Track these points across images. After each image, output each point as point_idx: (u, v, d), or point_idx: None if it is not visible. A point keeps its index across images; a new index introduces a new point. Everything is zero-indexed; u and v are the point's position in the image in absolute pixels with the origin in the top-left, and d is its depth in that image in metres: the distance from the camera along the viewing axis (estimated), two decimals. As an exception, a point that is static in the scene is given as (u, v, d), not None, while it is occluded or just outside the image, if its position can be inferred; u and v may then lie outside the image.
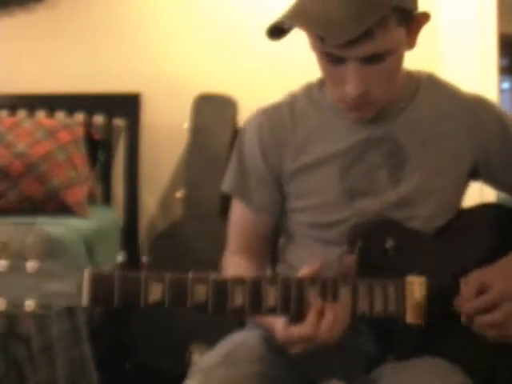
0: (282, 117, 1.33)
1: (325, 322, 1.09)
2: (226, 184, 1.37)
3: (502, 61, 3.56)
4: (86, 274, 1.02)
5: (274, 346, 1.29)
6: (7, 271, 0.98)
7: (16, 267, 0.98)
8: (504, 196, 1.45)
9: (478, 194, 2.25)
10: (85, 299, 1.01)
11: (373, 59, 1.15)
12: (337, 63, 1.17)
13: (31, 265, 0.99)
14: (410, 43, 1.22)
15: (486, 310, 1.19)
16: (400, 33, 1.17)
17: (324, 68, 1.22)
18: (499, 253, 1.27)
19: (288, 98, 1.36)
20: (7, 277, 0.97)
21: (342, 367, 1.28)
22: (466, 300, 1.20)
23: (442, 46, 2.69)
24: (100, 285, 1.02)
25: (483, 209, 1.38)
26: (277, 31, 1.18)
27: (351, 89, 1.17)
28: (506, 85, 5.45)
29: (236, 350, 1.28)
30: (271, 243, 1.40)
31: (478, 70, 2.68)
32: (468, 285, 1.21)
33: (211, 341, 1.38)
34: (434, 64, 2.64)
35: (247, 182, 1.34)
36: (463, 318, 1.20)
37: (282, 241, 1.40)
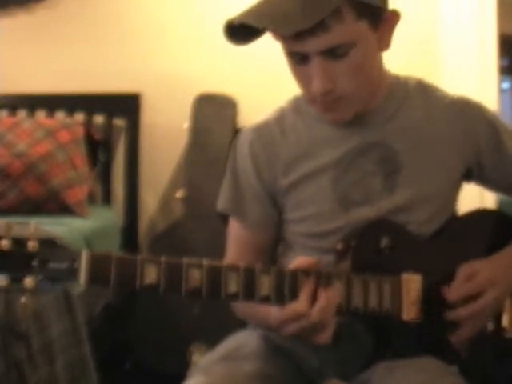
0: (273, 133, 1.33)
1: (317, 304, 1.09)
2: (221, 203, 1.37)
3: (502, 61, 3.55)
4: (84, 254, 1.03)
5: (274, 346, 1.29)
6: (9, 250, 1.01)
7: (17, 246, 1.01)
8: (504, 198, 1.45)
9: (478, 196, 2.25)
10: (82, 278, 1.03)
11: (334, 53, 1.14)
12: (303, 63, 1.17)
13: (32, 244, 1.01)
14: (383, 43, 1.22)
15: (470, 296, 1.21)
16: (360, 27, 1.15)
17: (294, 71, 1.22)
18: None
19: (276, 114, 1.36)
20: (9, 255, 1.01)
21: (340, 366, 1.28)
22: (453, 289, 1.22)
23: (442, 47, 2.69)
24: (97, 265, 1.03)
25: (481, 213, 1.39)
26: (244, 35, 1.18)
27: (316, 85, 1.17)
28: (506, 85, 5.44)
29: (236, 350, 1.28)
30: (271, 255, 1.40)
31: (477, 70, 2.68)
32: (458, 276, 1.23)
33: (211, 341, 1.39)
34: (434, 64, 2.64)
35: (242, 199, 1.34)
36: (451, 305, 1.21)
37: (280, 248, 1.40)
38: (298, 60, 1.18)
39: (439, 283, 1.22)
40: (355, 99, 1.23)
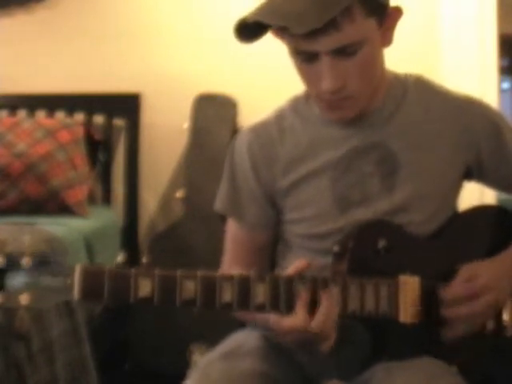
0: (271, 133, 1.33)
1: (316, 318, 1.09)
2: (219, 203, 1.37)
3: (502, 61, 3.56)
4: (77, 269, 1.04)
5: (274, 346, 1.29)
6: (4, 267, 1.02)
7: (12, 263, 1.02)
8: (503, 197, 1.45)
9: (478, 194, 2.25)
10: (76, 294, 1.03)
11: (344, 52, 1.15)
12: (311, 61, 1.17)
13: (26, 261, 1.02)
14: (386, 39, 1.22)
15: (467, 298, 1.20)
16: (369, 25, 1.16)
17: (300, 70, 1.22)
18: (496, 253, 1.27)
19: (275, 114, 1.35)
20: (4, 272, 1.02)
21: (338, 367, 1.28)
22: (451, 286, 1.21)
23: (442, 47, 2.69)
24: (91, 280, 1.04)
25: (480, 211, 1.38)
26: (250, 33, 1.17)
27: (326, 84, 1.17)
28: (506, 85, 5.45)
29: (236, 349, 1.28)
30: (270, 252, 1.40)
31: (478, 70, 2.68)
32: (457, 277, 1.22)
33: (211, 341, 1.39)
34: (434, 64, 2.64)
35: (240, 199, 1.34)
36: (443, 306, 1.21)
37: (279, 247, 1.40)
38: (305, 58, 1.18)
39: (437, 284, 1.22)
40: (362, 97, 1.23)
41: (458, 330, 1.21)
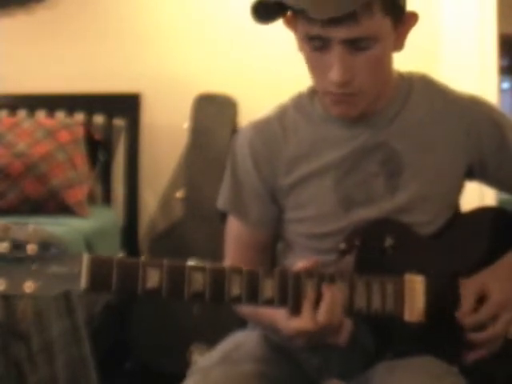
0: (274, 130, 1.32)
1: (323, 306, 1.09)
2: (222, 201, 1.37)
3: (502, 61, 3.55)
4: (85, 258, 1.02)
5: (273, 346, 1.29)
6: (8, 253, 0.99)
7: (17, 249, 1.00)
8: (504, 197, 1.45)
9: (478, 195, 2.25)
10: (83, 283, 1.02)
11: (357, 45, 1.15)
12: (322, 50, 1.16)
13: (31, 247, 1.00)
14: (399, 43, 1.22)
15: (486, 323, 1.20)
16: (385, 23, 1.16)
17: (309, 59, 1.21)
18: (498, 254, 1.27)
19: (278, 111, 1.34)
20: (8, 258, 0.99)
21: (340, 365, 1.28)
22: (466, 312, 1.21)
23: (442, 46, 2.69)
24: (98, 269, 1.03)
25: (483, 211, 1.38)
26: (266, 14, 1.17)
27: (335, 74, 1.16)
28: (506, 85, 5.45)
29: (236, 350, 1.28)
30: (271, 252, 1.39)
31: (477, 70, 2.68)
32: (466, 295, 1.22)
33: (211, 341, 1.38)
34: (434, 64, 2.64)
35: (242, 197, 1.34)
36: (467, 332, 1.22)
37: (280, 246, 1.39)
38: (317, 46, 1.17)
39: (443, 284, 1.22)
40: (367, 96, 1.22)
41: (482, 353, 1.22)
